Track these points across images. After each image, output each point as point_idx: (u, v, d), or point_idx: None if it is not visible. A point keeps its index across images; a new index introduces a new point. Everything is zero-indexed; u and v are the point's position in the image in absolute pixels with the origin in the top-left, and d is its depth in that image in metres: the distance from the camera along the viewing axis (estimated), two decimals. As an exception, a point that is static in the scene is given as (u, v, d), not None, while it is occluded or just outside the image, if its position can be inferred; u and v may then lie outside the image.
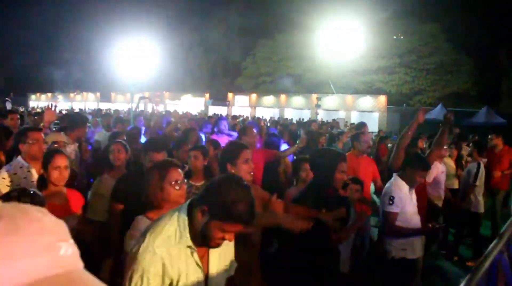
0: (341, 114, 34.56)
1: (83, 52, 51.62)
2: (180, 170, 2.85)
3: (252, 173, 3.43)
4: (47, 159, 3.50)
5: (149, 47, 43.10)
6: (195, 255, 2.06)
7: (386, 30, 35.03)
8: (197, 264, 2.07)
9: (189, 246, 2.03)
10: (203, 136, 7.59)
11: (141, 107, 14.41)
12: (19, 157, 4.05)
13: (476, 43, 31.40)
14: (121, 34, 45.19)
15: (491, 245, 2.91)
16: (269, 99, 40.79)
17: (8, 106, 16.70)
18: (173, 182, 2.74)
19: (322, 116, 31.49)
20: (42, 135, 4.22)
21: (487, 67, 31.39)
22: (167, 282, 2.00)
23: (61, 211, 3.32)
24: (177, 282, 2.01)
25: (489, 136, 8.33)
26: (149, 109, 14.76)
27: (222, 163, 3.46)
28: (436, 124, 7.39)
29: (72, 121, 6.00)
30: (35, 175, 3.86)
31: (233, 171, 3.30)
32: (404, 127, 6.05)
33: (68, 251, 0.83)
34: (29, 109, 31.01)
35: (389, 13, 33.49)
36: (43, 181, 3.51)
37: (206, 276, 2.15)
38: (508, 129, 21.00)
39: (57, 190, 3.47)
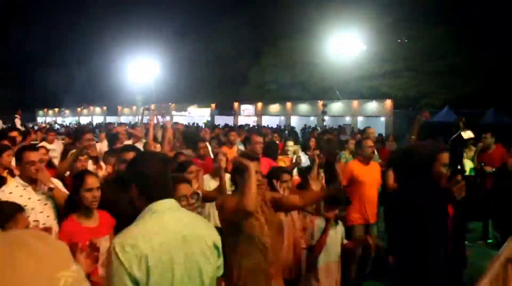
0: (348, 120, 34.49)
1: (90, 66, 52.04)
2: (188, 185, 2.90)
3: (260, 184, 3.45)
4: (78, 181, 3.48)
5: (155, 59, 43.55)
6: None
7: (390, 34, 34.99)
8: None
9: None
10: None
11: (146, 119, 14.43)
12: (17, 176, 4.04)
13: (482, 46, 31.26)
14: (127, 47, 45.80)
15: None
16: (275, 107, 40.81)
17: (17, 123, 16.83)
18: (181, 197, 2.80)
19: (328, 122, 31.46)
20: (39, 154, 4.12)
21: (495, 70, 31.23)
22: None
23: (93, 233, 3.34)
24: None
25: (483, 135, 8.25)
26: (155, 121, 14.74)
27: (232, 177, 3.52)
28: (443, 126, 7.39)
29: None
30: (31, 193, 3.85)
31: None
32: (411, 130, 6.05)
33: (68, 281, 0.81)
34: (38, 125, 31.32)
35: (393, 17, 33.49)
36: (72, 203, 3.51)
37: None
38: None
39: (88, 212, 3.46)
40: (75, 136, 6.07)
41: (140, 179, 2.25)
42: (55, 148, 8.20)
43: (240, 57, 44.84)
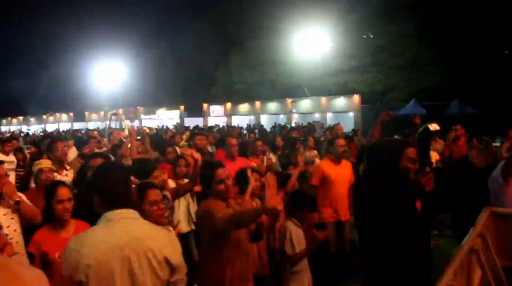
0: (317, 117, 34.79)
1: (54, 72, 50.89)
2: (158, 191, 2.88)
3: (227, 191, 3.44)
4: (49, 192, 3.46)
5: (121, 63, 43.01)
6: None
7: (356, 30, 35.40)
8: None
9: None
10: None
11: (114, 124, 14.27)
12: None
13: (445, 40, 31.97)
14: (92, 52, 45.09)
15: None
16: (244, 107, 40.85)
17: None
18: (152, 203, 2.78)
19: (297, 119, 31.66)
20: (3, 168, 3.98)
21: (457, 62, 31.99)
22: None
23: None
24: None
25: (453, 127, 8.34)
26: (124, 126, 14.62)
27: (202, 185, 3.53)
28: (410, 119, 7.49)
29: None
30: None
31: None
32: (374, 128, 6.16)
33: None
34: (1, 134, 30.51)
35: (358, 14, 33.86)
36: (48, 215, 3.48)
37: None
38: (480, 118, 21.47)
39: (62, 223, 3.43)
40: (46, 145, 5.94)
41: (100, 188, 2.34)
42: (12, 160, 8.07)
43: (208, 58, 44.69)
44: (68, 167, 5.71)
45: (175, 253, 2.30)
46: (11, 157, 8.43)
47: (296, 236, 4.17)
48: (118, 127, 27.82)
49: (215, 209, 3.20)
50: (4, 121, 60.90)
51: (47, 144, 6.21)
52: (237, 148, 6.18)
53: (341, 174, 5.87)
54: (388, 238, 3.00)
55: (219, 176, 3.35)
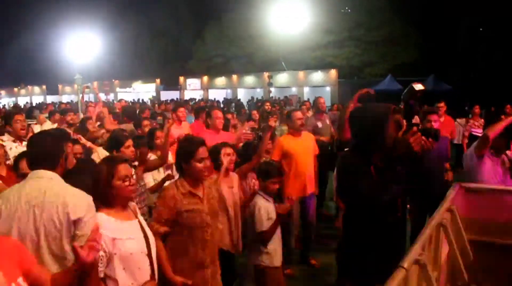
0: (294, 91, 34.78)
1: (26, 43, 49.45)
2: (127, 165, 2.83)
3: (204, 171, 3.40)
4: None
5: (96, 34, 41.98)
6: None
7: (333, 4, 35.24)
8: None
9: None
10: None
11: (87, 97, 14.01)
12: None
13: (423, 14, 32.09)
14: (66, 22, 43.71)
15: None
16: (221, 80, 40.55)
17: None
18: (123, 178, 2.73)
19: (274, 93, 31.59)
20: None
21: (434, 38, 32.19)
22: None
23: None
24: None
25: (436, 105, 8.37)
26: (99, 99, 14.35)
27: (177, 162, 3.46)
28: (387, 95, 7.52)
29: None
30: None
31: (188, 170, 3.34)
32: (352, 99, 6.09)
33: None
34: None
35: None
36: None
37: None
38: (454, 95, 21.78)
39: None
40: (5, 119, 5.68)
41: (27, 152, 2.94)
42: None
43: (184, 31, 44.03)
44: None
45: (78, 211, 2.55)
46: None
47: (266, 210, 4.13)
48: (92, 100, 27.41)
49: (160, 212, 3.26)
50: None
51: (3, 117, 5.97)
52: (222, 121, 6.06)
53: (302, 146, 5.73)
54: (367, 205, 3.00)
55: (199, 154, 3.28)
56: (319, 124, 7.79)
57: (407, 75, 28.89)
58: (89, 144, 5.07)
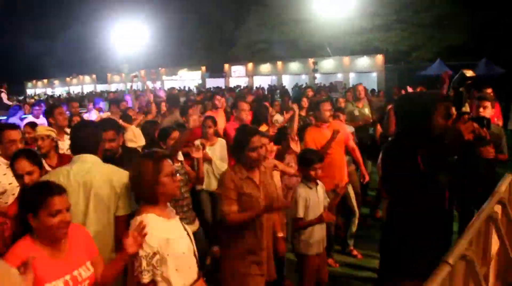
0: (339, 77, 34.26)
1: (76, 33, 50.89)
2: (171, 161, 2.83)
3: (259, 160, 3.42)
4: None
5: (142, 23, 42.71)
6: None
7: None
8: None
9: None
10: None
11: (135, 86, 14.27)
12: (0, 156, 4.02)
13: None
14: (113, 12, 44.80)
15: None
16: (266, 67, 40.43)
17: (4, 97, 16.54)
18: (169, 175, 2.71)
19: (320, 79, 31.23)
20: (19, 133, 4.11)
21: (485, 17, 30.84)
22: None
23: None
24: None
25: (483, 90, 7.97)
26: (146, 87, 14.62)
27: (232, 150, 3.52)
28: (436, 79, 7.20)
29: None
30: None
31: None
32: (402, 85, 5.87)
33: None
34: (26, 98, 30.96)
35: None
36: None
37: None
38: (508, 78, 20.84)
39: None
40: (47, 113, 5.81)
41: (71, 139, 3.31)
42: (43, 122, 8.03)
43: (228, 18, 44.07)
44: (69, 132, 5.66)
45: (121, 186, 3.01)
46: (42, 120, 8.50)
47: (305, 198, 4.13)
48: (140, 88, 27.95)
49: (225, 200, 3.25)
50: (29, 84, 61.57)
51: (47, 109, 6.14)
52: (248, 112, 5.98)
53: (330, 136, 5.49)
54: (415, 192, 2.90)
55: (253, 143, 3.30)
56: (356, 112, 7.70)
57: (457, 58, 27.82)
58: (120, 122, 5.18)
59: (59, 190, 2.36)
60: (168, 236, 2.59)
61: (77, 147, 3.18)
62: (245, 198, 3.28)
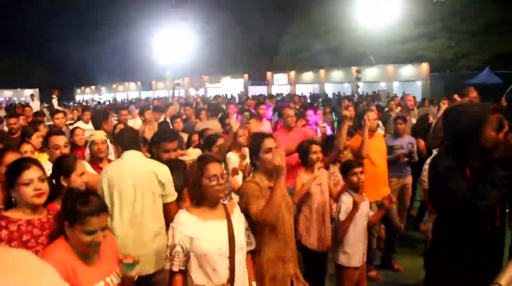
0: (383, 86, 33.76)
1: (123, 42, 52.38)
2: (219, 164, 2.87)
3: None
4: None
5: (186, 32, 43.48)
6: None
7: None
8: None
9: None
10: None
11: (177, 93, 14.51)
12: (47, 160, 4.19)
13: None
14: (158, 21, 45.83)
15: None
16: (308, 75, 40.33)
17: (55, 103, 17.24)
18: (212, 177, 2.76)
19: (362, 88, 30.89)
20: (64, 139, 4.30)
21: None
22: None
23: None
24: None
25: None
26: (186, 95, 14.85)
27: (251, 158, 3.51)
28: (485, 88, 6.98)
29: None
30: None
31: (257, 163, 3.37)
32: (448, 94, 5.69)
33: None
34: (75, 103, 31.98)
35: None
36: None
37: None
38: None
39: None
40: (106, 117, 6.06)
41: (120, 141, 3.95)
42: (91, 127, 8.26)
43: (272, 26, 44.29)
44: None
45: (164, 176, 3.65)
46: (91, 125, 8.75)
47: (347, 206, 4.13)
48: (183, 95, 28.36)
49: (251, 199, 3.17)
50: (78, 90, 63.72)
51: (103, 116, 6.34)
52: (294, 119, 6.07)
53: (376, 148, 5.49)
54: (448, 220, 2.82)
55: (265, 145, 3.29)
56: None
57: (507, 67, 26.91)
58: (180, 152, 5.24)
59: (98, 210, 2.35)
60: (193, 234, 2.70)
61: (126, 145, 3.83)
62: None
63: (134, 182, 3.59)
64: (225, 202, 2.98)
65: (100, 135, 4.85)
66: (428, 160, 4.47)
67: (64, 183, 3.12)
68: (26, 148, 4.54)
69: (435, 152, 4.50)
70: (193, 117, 8.84)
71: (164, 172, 3.68)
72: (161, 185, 3.64)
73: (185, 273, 2.75)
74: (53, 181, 3.14)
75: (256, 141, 3.40)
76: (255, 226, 3.21)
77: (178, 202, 3.76)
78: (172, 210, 3.56)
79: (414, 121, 7.59)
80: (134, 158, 3.75)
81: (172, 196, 3.72)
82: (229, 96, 29.84)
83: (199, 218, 2.76)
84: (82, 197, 2.39)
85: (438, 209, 3.06)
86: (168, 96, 31.68)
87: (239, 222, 2.94)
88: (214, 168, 2.80)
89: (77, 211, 2.30)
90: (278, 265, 3.27)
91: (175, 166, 4.07)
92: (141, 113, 9.25)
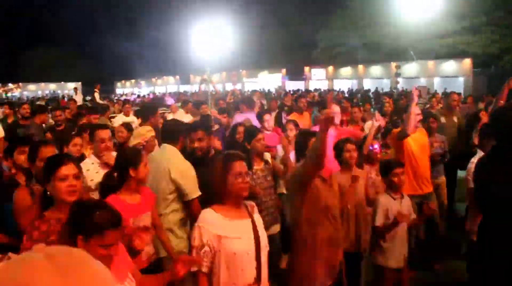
0: (423, 82, 33.11)
1: (163, 36, 53.02)
2: (244, 163, 2.86)
3: None
4: (134, 159, 3.40)
5: (224, 26, 43.56)
6: None
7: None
8: None
9: None
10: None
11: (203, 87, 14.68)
12: (92, 154, 4.38)
13: None
14: (197, 15, 45.94)
15: None
16: (346, 71, 39.93)
17: (97, 96, 17.76)
18: (237, 175, 2.76)
19: (402, 84, 30.39)
20: (108, 132, 4.44)
21: None
22: None
23: (136, 210, 3.36)
24: None
25: None
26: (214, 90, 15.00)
27: (296, 152, 3.64)
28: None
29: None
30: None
31: None
32: (492, 91, 5.54)
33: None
34: (116, 97, 32.69)
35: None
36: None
37: None
38: None
39: (132, 190, 3.42)
40: (145, 115, 6.11)
41: (162, 133, 4.24)
42: (132, 120, 8.50)
43: (309, 20, 43.95)
44: None
45: (176, 173, 3.78)
46: (132, 118, 9.04)
47: (385, 207, 4.07)
48: (220, 90, 28.55)
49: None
50: (118, 84, 65.04)
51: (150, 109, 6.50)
52: (339, 115, 5.99)
53: (419, 143, 5.42)
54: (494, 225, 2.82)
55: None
56: (442, 119, 7.35)
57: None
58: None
59: (116, 222, 2.20)
60: (221, 233, 2.66)
61: (163, 138, 4.12)
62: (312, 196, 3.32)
63: (154, 175, 3.75)
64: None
65: (150, 131, 4.94)
66: (473, 159, 4.43)
67: (133, 174, 3.29)
68: (77, 141, 4.82)
69: (479, 152, 4.45)
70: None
71: (177, 169, 3.80)
72: (173, 182, 3.75)
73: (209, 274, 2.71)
74: (114, 174, 3.39)
75: (302, 139, 3.45)
76: (307, 203, 3.28)
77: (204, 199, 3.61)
78: (194, 208, 3.72)
79: (455, 120, 7.44)
80: (161, 152, 4.01)
81: (192, 193, 3.78)
82: (266, 91, 29.95)
83: (225, 217, 2.73)
84: (98, 209, 2.20)
85: (485, 211, 3.07)
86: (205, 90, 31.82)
87: (259, 222, 2.92)
88: (239, 166, 2.79)
89: (95, 224, 2.13)
90: (330, 247, 3.33)
91: (201, 162, 4.16)
92: (184, 105, 9.59)
